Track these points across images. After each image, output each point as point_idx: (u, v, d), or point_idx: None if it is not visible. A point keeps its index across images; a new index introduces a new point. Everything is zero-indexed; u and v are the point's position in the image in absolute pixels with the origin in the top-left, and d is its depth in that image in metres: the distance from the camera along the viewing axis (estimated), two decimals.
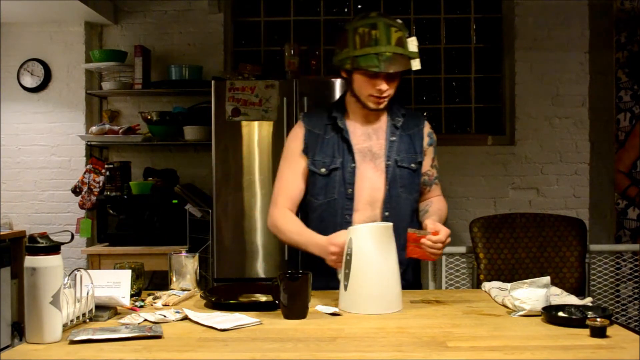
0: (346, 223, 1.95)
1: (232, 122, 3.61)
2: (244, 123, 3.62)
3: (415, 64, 1.92)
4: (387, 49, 1.86)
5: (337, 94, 3.62)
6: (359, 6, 4.63)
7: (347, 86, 2.01)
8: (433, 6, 4.56)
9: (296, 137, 2.05)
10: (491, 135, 4.40)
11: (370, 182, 1.98)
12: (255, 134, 3.63)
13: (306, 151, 2.02)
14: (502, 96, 4.48)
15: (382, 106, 1.96)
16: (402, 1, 4.57)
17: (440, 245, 1.75)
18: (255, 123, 3.62)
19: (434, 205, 2.06)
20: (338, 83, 3.64)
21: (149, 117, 4.10)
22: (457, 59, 4.60)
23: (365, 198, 1.98)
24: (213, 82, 3.63)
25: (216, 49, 4.38)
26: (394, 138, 2.01)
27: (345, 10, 4.63)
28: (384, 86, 1.90)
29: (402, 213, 1.99)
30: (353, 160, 1.98)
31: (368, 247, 1.64)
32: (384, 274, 1.64)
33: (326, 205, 1.99)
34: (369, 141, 2.01)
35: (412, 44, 1.92)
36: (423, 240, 1.75)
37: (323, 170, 1.99)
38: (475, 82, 4.58)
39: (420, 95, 4.61)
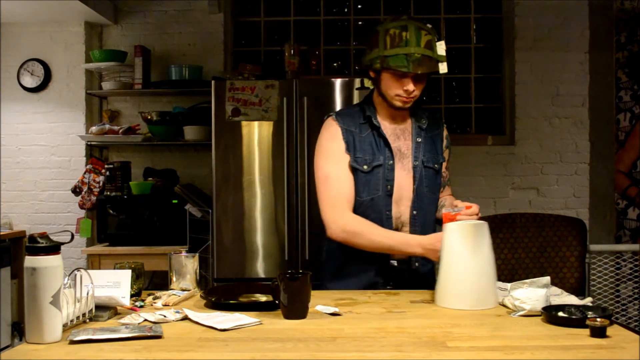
0: (388, 219, 2.01)
1: (232, 122, 3.61)
2: (244, 123, 3.62)
3: (443, 67, 1.98)
4: (416, 51, 1.92)
5: (337, 94, 3.62)
6: (359, 6, 4.63)
7: (375, 86, 2.06)
8: (433, 6, 4.56)
9: (335, 137, 2.05)
10: (491, 135, 4.40)
11: (398, 180, 2.03)
12: (255, 134, 3.63)
13: (348, 149, 2.04)
14: (502, 96, 4.48)
15: (408, 105, 2.02)
16: (403, 1, 4.57)
17: (476, 217, 1.82)
18: (255, 123, 3.62)
19: (449, 200, 2.13)
20: (338, 83, 3.64)
21: (149, 117, 4.10)
22: (457, 59, 4.60)
23: (393, 196, 2.03)
24: (213, 82, 3.63)
25: (216, 49, 4.38)
26: (420, 139, 2.07)
27: (345, 10, 4.63)
28: (411, 86, 1.96)
29: (428, 211, 2.07)
30: (391, 157, 2.03)
31: (459, 244, 1.69)
32: (474, 271, 1.66)
33: (370, 202, 2.02)
34: (398, 141, 2.07)
35: (441, 48, 1.97)
36: (459, 217, 1.80)
37: (365, 167, 2.02)
38: (475, 82, 4.58)
39: (420, 95, 4.60)
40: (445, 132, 2.17)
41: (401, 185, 2.03)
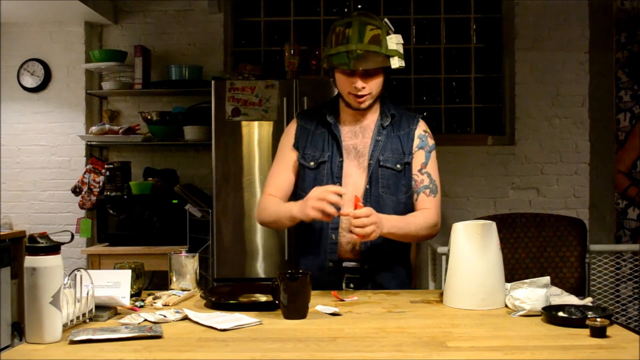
0: (334, 217, 1.95)
1: (232, 122, 3.61)
2: (244, 123, 3.62)
3: (394, 62, 1.91)
4: (357, 47, 1.88)
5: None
6: (359, 6, 4.63)
7: (335, 86, 2.03)
8: (433, 6, 4.56)
9: (288, 133, 2.11)
10: (491, 135, 4.40)
11: (351, 179, 1.99)
12: (255, 134, 3.63)
13: (296, 145, 2.06)
14: (502, 96, 4.48)
15: (363, 105, 1.96)
16: (402, 1, 4.57)
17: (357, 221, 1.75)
18: (255, 123, 3.63)
19: (413, 214, 1.97)
20: None
21: (149, 117, 4.10)
22: (457, 59, 4.60)
23: (347, 194, 1.94)
24: (213, 82, 3.64)
25: (216, 49, 4.38)
26: (380, 138, 2.01)
27: (345, 10, 4.63)
28: (359, 84, 1.91)
29: (383, 212, 1.90)
30: (340, 155, 2.00)
31: (466, 243, 1.68)
32: (481, 271, 1.66)
33: None
34: (355, 139, 2.03)
35: (392, 42, 1.91)
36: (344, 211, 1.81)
37: (312, 163, 2.02)
38: (475, 82, 4.58)
39: (420, 95, 4.61)
40: (419, 131, 2.02)
41: (356, 184, 1.97)
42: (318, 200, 1.78)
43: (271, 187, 2.07)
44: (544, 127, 4.34)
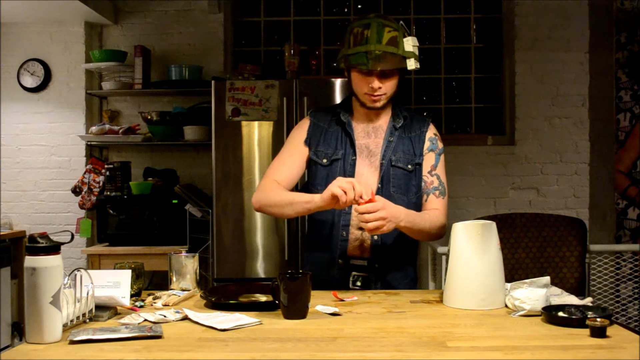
0: (345, 214, 1.99)
1: (232, 122, 3.61)
2: (244, 123, 3.63)
3: (411, 63, 1.95)
4: (376, 48, 1.90)
5: (337, 94, 3.63)
6: (359, 6, 4.63)
7: (349, 86, 2.05)
8: (433, 6, 4.56)
9: (300, 128, 2.11)
10: (491, 135, 4.40)
11: (363, 178, 2.00)
12: (255, 134, 3.63)
13: (308, 142, 2.07)
14: (502, 96, 4.48)
15: (378, 104, 1.99)
16: (402, 1, 4.57)
17: (371, 218, 1.76)
18: (255, 123, 3.63)
19: (427, 211, 2.01)
20: (338, 83, 3.64)
21: (149, 117, 4.10)
22: (457, 59, 4.60)
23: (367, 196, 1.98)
24: (213, 82, 3.64)
25: (216, 49, 4.38)
26: (392, 138, 2.03)
27: (345, 10, 4.63)
28: (376, 84, 1.94)
29: None
30: (354, 153, 2.02)
31: (466, 244, 1.68)
32: (481, 271, 1.66)
33: None
34: (368, 139, 2.05)
35: (408, 44, 1.95)
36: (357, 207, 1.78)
37: (325, 160, 2.03)
38: (475, 82, 4.58)
39: (420, 95, 4.61)
40: (429, 134, 2.06)
41: (366, 183, 1.97)
42: (347, 182, 1.77)
43: (276, 174, 2.04)
44: (544, 127, 4.34)
